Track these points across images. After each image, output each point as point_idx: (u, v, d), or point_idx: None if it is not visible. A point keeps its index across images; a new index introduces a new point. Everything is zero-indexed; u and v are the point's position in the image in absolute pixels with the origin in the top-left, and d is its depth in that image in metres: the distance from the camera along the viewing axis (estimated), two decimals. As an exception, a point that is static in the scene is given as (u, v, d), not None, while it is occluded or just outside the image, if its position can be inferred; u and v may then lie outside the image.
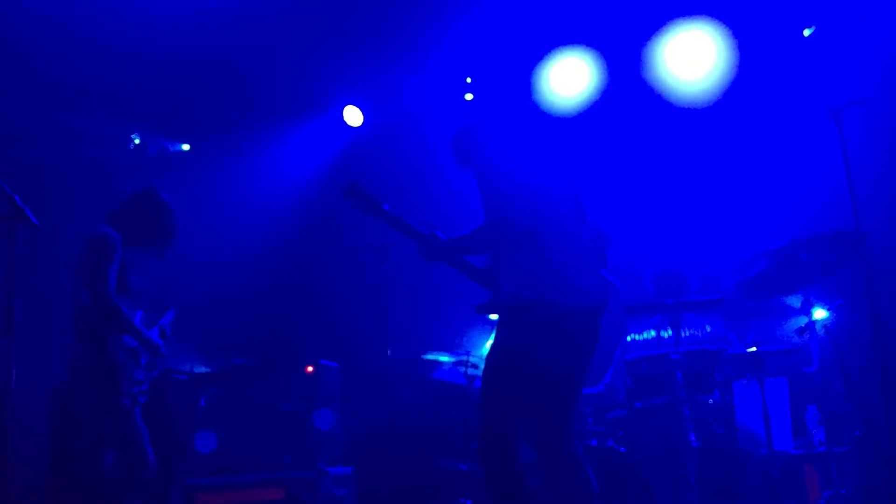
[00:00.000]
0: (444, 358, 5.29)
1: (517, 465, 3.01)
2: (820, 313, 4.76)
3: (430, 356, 5.25)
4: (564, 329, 3.07)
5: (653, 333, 5.36)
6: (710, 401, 4.68)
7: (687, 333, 5.13)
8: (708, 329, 5.27)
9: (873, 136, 4.47)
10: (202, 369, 5.67)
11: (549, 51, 6.35)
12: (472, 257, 3.43)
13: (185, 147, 7.36)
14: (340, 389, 5.44)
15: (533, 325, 3.01)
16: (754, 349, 4.54)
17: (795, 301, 4.55)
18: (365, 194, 3.35)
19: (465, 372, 5.16)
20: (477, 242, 3.23)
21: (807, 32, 5.82)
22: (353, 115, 7.10)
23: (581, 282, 3.10)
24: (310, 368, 5.10)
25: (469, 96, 6.86)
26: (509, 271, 3.08)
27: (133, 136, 6.98)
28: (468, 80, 6.63)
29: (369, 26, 6.30)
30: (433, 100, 7.03)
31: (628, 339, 5.47)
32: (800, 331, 4.55)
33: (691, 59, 6.02)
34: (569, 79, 6.42)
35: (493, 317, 3.49)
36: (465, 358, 5.16)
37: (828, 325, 4.68)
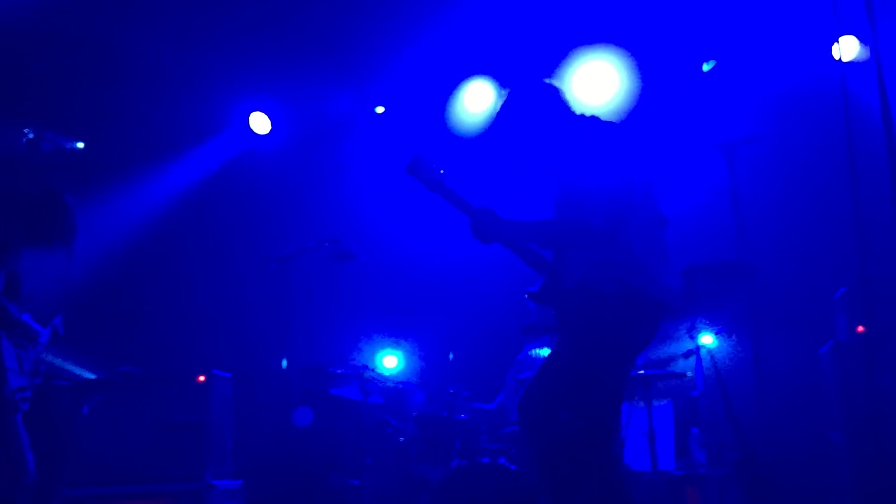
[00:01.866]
0: (341, 371, 5.26)
1: (610, 454, 2.99)
2: (706, 339, 4.96)
3: (326, 369, 5.21)
4: (647, 321, 3.05)
5: (547, 353, 5.46)
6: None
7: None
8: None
9: (762, 172, 4.70)
10: (88, 376, 5.45)
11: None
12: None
13: (80, 145, 7.11)
14: (234, 400, 5.34)
15: (620, 313, 2.96)
16: (642, 372, 4.70)
17: (684, 327, 4.72)
18: (426, 170, 3.32)
19: (361, 386, 5.14)
20: (543, 233, 3.20)
21: (706, 67, 6.09)
22: (259, 122, 7.02)
23: (666, 279, 3.08)
24: (202, 378, 4.98)
25: (380, 109, 6.89)
26: (590, 262, 3.03)
27: (26, 130, 6.69)
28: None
29: (280, 32, 6.25)
30: (343, 109, 7.02)
31: (522, 358, 5.57)
32: (686, 355, 4.73)
33: (595, 87, 6.24)
34: (478, 102, 6.61)
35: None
36: (361, 372, 5.14)
37: (713, 351, 4.89)
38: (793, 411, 5.17)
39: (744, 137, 4.01)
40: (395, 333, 6.47)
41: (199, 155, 7.10)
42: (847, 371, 4.32)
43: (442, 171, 3.29)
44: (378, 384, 5.28)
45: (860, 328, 4.23)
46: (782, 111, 5.54)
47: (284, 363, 4.79)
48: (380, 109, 6.96)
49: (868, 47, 5.88)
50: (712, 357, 4.79)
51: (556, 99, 3.33)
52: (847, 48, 5.92)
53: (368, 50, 6.50)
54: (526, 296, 3.31)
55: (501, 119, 3.38)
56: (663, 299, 3.03)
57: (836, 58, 5.78)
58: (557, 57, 6.31)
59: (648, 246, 3.08)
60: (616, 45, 6.16)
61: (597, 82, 6.24)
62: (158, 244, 6.81)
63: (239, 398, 5.36)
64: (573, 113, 3.31)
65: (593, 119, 3.28)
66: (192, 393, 4.99)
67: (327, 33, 6.32)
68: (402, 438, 5.20)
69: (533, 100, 3.33)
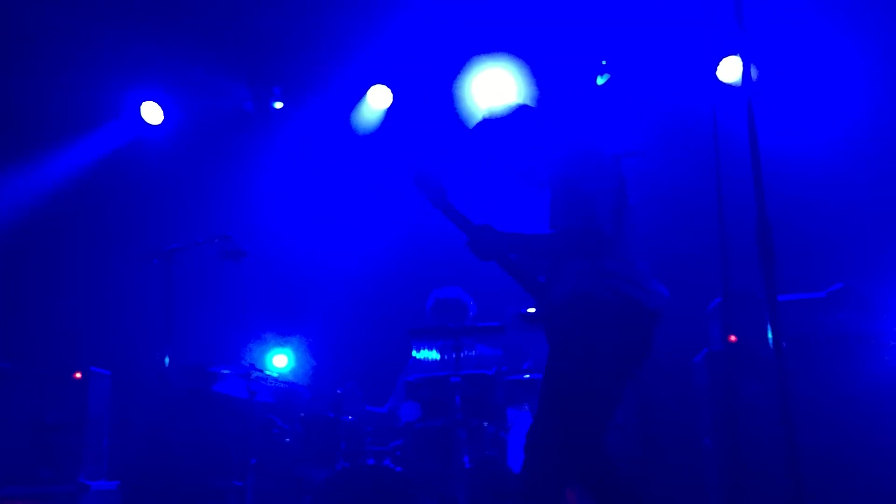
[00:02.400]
0: (226, 370, 5.16)
1: (605, 459, 2.99)
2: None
3: (211, 367, 5.10)
4: (645, 330, 3.06)
5: (435, 356, 5.51)
6: (486, 424, 4.85)
7: (468, 358, 5.31)
8: (488, 355, 5.49)
9: (646, 186, 4.84)
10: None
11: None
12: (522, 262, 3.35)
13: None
14: (112, 399, 5.17)
15: (620, 322, 2.98)
16: (528, 376, 4.79)
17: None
18: (433, 185, 3.34)
19: (248, 386, 5.06)
20: (540, 244, 3.18)
21: (600, 81, 6.25)
22: (151, 112, 6.82)
23: (656, 287, 3.11)
24: (78, 375, 4.80)
25: (278, 104, 6.80)
26: (588, 272, 3.03)
27: None
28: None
29: (176, 20, 6.10)
30: (239, 102, 6.90)
31: (411, 361, 5.59)
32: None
33: (492, 95, 6.33)
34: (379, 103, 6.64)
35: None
36: (248, 371, 5.05)
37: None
38: (669, 417, 5.36)
39: (628, 151, 4.12)
40: (285, 332, 6.39)
41: (85, 144, 6.85)
42: (718, 379, 4.51)
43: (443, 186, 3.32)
44: (265, 384, 5.19)
45: (732, 338, 4.42)
46: (667, 127, 5.75)
47: (167, 361, 4.66)
48: (278, 105, 6.88)
49: (754, 68, 6.21)
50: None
51: (532, 113, 3.43)
52: (730, 70, 6.20)
53: (268, 43, 6.41)
54: (519, 315, 3.38)
55: (482, 138, 3.39)
56: (657, 307, 3.10)
57: (720, 79, 6.14)
58: (456, 63, 6.38)
59: (638, 254, 3.15)
60: (513, 54, 6.27)
61: (493, 89, 6.35)
62: (38, 235, 6.55)
63: (118, 396, 5.20)
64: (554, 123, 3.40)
65: (575, 127, 3.36)
66: (67, 390, 4.81)
67: (225, 25, 6.20)
68: (288, 439, 5.13)
69: (511, 117, 3.43)
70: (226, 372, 5.04)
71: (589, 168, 3.18)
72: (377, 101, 6.69)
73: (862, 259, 5.19)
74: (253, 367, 5.11)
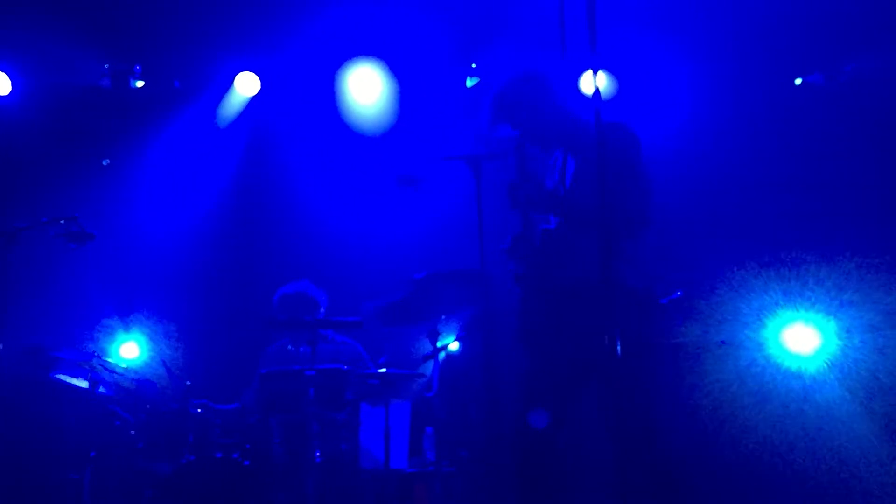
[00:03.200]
0: (67, 357, 4.93)
1: None
2: (446, 343, 5.17)
3: (50, 352, 4.86)
4: (658, 319, 3.27)
5: (290, 349, 5.46)
6: (339, 418, 4.85)
7: (323, 351, 5.28)
8: (343, 349, 5.48)
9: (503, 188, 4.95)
10: None
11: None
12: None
13: None
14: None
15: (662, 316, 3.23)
16: (384, 371, 4.81)
17: (425, 329, 4.87)
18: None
19: (89, 374, 4.85)
20: (593, 217, 2.99)
21: (469, 83, 6.35)
22: (-1, 82, 6.41)
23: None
24: None
25: (140, 83, 6.54)
26: (617, 256, 2.97)
27: None
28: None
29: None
30: (96, 79, 6.60)
31: (267, 353, 5.51)
32: (425, 357, 4.90)
33: (366, 93, 6.37)
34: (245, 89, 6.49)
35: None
36: (90, 358, 4.84)
37: (450, 354, 5.10)
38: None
39: (489, 153, 4.21)
40: (135, 321, 6.17)
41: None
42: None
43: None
44: (109, 373, 4.99)
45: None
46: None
47: (0, 345, 4.39)
48: (139, 84, 6.61)
49: (616, 81, 6.47)
50: (450, 360, 4.99)
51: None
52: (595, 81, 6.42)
53: (132, 18, 6.14)
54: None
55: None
56: (657, 296, 3.28)
57: (588, 89, 6.34)
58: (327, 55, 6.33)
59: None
60: (384, 54, 6.28)
61: (365, 87, 6.36)
62: None
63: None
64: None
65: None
66: None
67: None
68: (133, 432, 4.95)
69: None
70: (65, 358, 4.81)
71: (643, 157, 3.33)
72: (244, 87, 6.54)
73: (700, 267, 5.47)
74: (97, 355, 4.90)
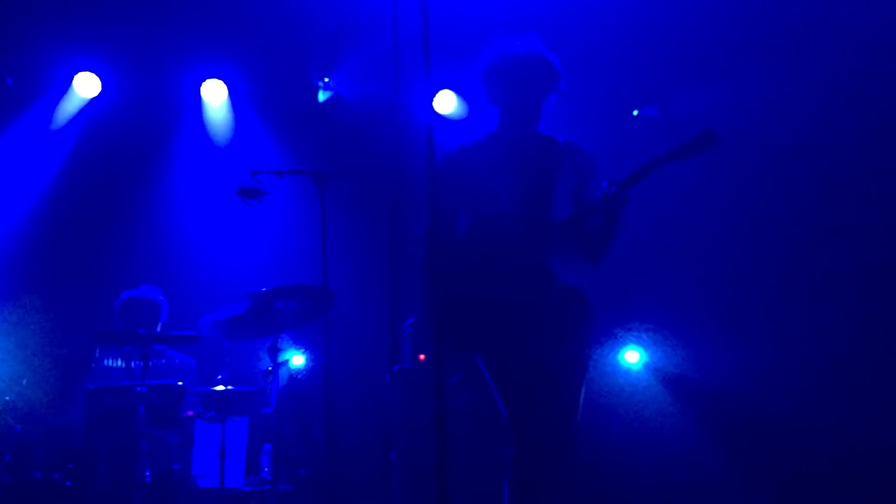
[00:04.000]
0: None
1: None
2: (294, 359, 5.11)
3: None
4: None
5: (120, 364, 5.23)
6: (171, 436, 4.68)
7: (157, 367, 5.10)
8: (178, 364, 5.30)
9: (347, 204, 4.95)
10: None
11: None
12: None
13: None
14: None
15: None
16: (221, 388, 4.69)
17: (266, 345, 4.78)
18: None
19: None
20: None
21: (322, 97, 6.33)
22: None
23: None
24: None
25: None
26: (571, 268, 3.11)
27: None
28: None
29: None
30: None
31: (94, 367, 5.26)
32: (266, 373, 4.80)
33: (214, 103, 6.30)
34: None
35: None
36: None
37: (293, 371, 5.04)
38: (362, 431, 5.49)
39: (334, 169, 4.21)
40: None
41: None
42: (406, 395, 4.71)
43: None
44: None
45: (421, 357, 4.65)
46: (374, 149, 5.90)
47: None
48: None
49: (464, 102, 6.61)
50: (291, 376, 4.92)
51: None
52: (443, 102, 6.57)
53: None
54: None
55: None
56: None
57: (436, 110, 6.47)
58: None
59: None
60: (234, 63, 6.17)
61: (213, 96, 6.28)
62: None
63: None
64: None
65: None
66: None
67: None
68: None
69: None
70: None
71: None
72: (83, 88, 6.24)
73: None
74: None
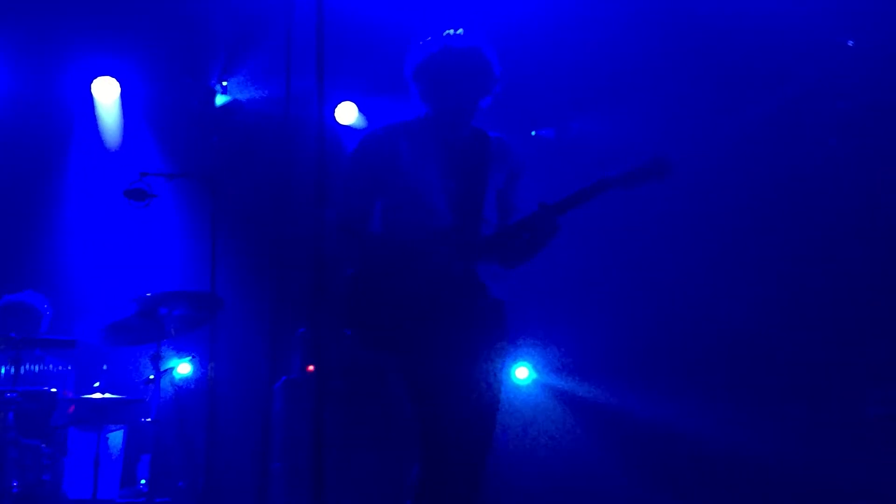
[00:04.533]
0: None
1: None
2: (180, 367, 4.96)
3: None
4: None
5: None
6: (43, 445, 4.47)
7: (30, 373, 4.87)
8: (54, 371, 5.08)
9: (238, 209, 4.87)
10: None
11: None
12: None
13: None
14: None
15: None
16: (98, 396, 4.51)
17: (150, 352, 4.64)
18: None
19: None
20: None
21: (219, 100, 6.20)
22: None
23: None
24: None
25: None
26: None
27: None
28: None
29: None
30: None
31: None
32: (147, 382, 4.65)
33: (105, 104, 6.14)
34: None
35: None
36: None
37: (175, 379, 4.89)
38: (246, 442, 5.38)
39: (226, 174, 4.14)
40: None
41: None
42: (293, 406, 4.65)
43: None
44: None
45: (310, 368, 4.59)
46: (267, 155, 5.83)
47: None
48: None
49: (364, 116, 6.61)
50: (173, 385, 4.78)
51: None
52: (344, 113, 6.57)
53: None
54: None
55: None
56: None
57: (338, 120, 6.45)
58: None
59: None
60: (126, 64, 6.00)
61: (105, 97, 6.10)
62: None
63: None
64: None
65: None
66: None
67: None
68: None
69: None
70: None
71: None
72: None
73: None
74: None
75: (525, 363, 6.39)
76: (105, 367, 4.78)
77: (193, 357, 5.26)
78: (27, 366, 4.83)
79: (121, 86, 6.09)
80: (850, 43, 5.45)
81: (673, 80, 5.78)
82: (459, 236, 2.90)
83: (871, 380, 5.44)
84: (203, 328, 4.57)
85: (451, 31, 3.01)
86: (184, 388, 5.07)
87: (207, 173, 4.18)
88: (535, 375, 6.43)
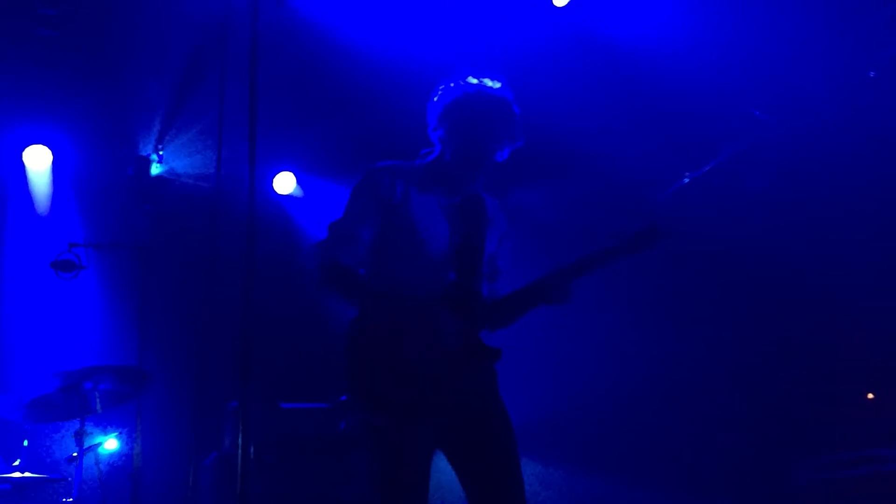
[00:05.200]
0: None
1: None
2: (98, 442, 4.78)
3: None
4: None
5: None
6: None
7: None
8: None
9: (168, 281, 4.80)
10: None
11: None
12: None
13: None
14: None
15: None
16: (18, 475, 4.32)
17: (73, 428, 4.47)
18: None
19: None
20: None
21: (155, 171, 6.15)
22: None
23: None
24: None
25: None
26: None
27: None
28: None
29: None
30: None
31: None
32: (69, 460, 4.47)
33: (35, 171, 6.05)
34: None
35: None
36: None
37: (101, 456, 4.71)
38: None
39: (157, 245, 4.08)
40: None
41: None
42: (223, 482, 4.52)
43: None
44: None
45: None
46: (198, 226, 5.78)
47: None
48: None
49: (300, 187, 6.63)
50: (98, 462, 4.60)
51: None
52: (284, 183, 6.58)
53: None
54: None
55: None
56: None
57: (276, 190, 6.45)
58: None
59: None
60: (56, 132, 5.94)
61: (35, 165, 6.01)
62: None
63: None
64: None
65: None
66: None
67: None
68: None
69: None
70: None
71: None
72: None
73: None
74: None
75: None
76: (26, 443, 4.58)
77: (120, 433, 5.10)
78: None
79: (53, 154, 6.01)
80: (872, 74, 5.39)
81: (609, 149, 5.89)
82: (462, 296, 2.82)
83: (800, 448, 5.49)
84: (130, 403, 4.44)
85: (488, 81, 2.98)
86: (109, 465, 4.88)
87: (138, 244, 4.11)
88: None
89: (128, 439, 5.10)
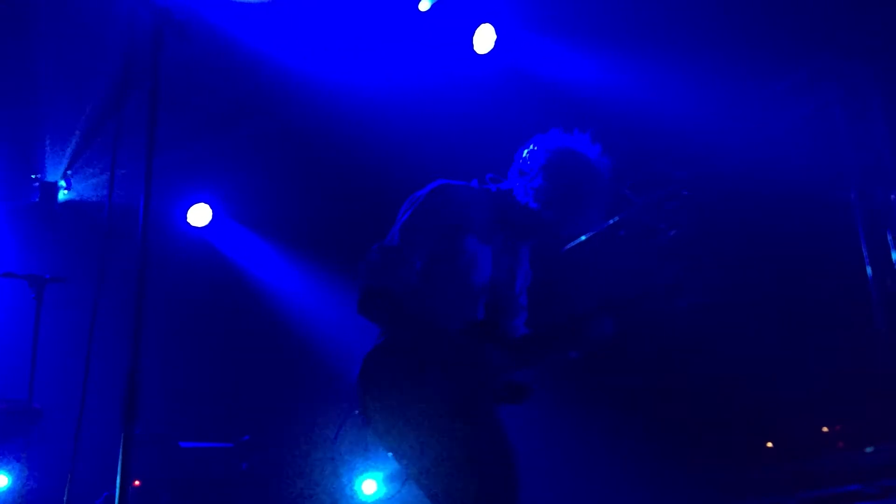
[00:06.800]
0: None
1: None
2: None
3: None
4: None
5: None
6: None
7: None
8: None
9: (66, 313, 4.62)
10: None
11: None
12: None
13: None
14: None
15: None
16: None
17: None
18: None
19: None
20: None
21: (62, 197, 5.98)
22: None
23: None
24: None
25: None
26: None
27: None
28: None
29: None
30: None
31: None
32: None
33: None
34: None
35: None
36: None
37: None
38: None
39: (54, 278, 3.93)
40: None
41: None
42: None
43: None
44: None
45: (136, 482, 4.34)
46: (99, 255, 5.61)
47: None
48: None
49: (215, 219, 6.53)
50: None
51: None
52: (199, 215, 6.48)
53: None
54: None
55: None
56: None
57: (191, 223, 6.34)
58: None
59: None
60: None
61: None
62: None
63: None
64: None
65: None
66: None
67: None
68: None
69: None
70: None
71: None
72: None
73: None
74: None
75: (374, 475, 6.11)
76: None
77: (11, 469, 4.86)
78: None
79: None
80: None
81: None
82: (508, 342, 2.78)
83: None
84: (20, 439, 4.25)
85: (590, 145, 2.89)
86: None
87: (33, 274, 3.96)
88: (384, 489, 6.10)
89: (17, 477, 4.87)
